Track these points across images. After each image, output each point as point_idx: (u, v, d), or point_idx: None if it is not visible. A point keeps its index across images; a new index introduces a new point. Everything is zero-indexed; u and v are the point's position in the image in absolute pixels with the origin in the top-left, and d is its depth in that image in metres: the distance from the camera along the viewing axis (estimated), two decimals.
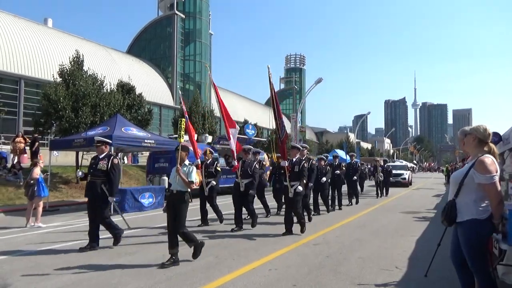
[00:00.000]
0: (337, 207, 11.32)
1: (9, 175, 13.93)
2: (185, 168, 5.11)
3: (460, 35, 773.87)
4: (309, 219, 8.50)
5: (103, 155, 6.14)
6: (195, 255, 5.11)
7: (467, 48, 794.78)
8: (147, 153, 16.87)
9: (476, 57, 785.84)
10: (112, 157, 6.13)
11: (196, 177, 5.19)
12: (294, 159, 7.22)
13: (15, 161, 14.76)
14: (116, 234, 6.04)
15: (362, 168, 18.21)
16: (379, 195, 15.59)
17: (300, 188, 6.91)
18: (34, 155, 14.28)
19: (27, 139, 15.81)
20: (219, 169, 8.47)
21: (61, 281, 4.27)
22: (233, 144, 8.10)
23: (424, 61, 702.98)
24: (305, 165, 7.18)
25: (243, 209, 7.75)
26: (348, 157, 14.49)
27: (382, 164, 17.02)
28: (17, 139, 15.18)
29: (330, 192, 10.87)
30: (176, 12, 48.55)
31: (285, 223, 7.12)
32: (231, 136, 8.12)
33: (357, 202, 12.95)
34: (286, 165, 7.02)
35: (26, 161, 15.37)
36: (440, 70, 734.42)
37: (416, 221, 9.12)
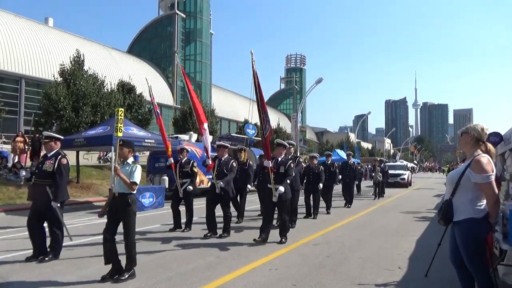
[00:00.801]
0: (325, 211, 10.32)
1: (9, 175, 13.95)
2: (127, 168, 4.46)
3: (460, 35, 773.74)
4: (292, 226, 7.69)
5: (51, 154, 5.40)
6: (119, 277, 4.19)
7: (468, 48, 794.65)
8: (147, 153, 16.90)
9: (476, 57, 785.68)
10: (60, 156, 5.37)
11: (139, 177, 4.46)
12: (279, 158, 6.40)
13: (16, 160, 14.77)
14: (55, 247, 5.22)
15: (358, 168, 17.73)
16: (377, 196, 14.88)
17: (282, 189, 6.06)
18: (36, 155, 14.29)
19: (27, 139, 15.82)
20: (195, 169, 7.70)
21: (61, 280, 4.26)
22: (207, 139, 7.19)
23: (425, 61, 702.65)
24: (292, 164, 6.40)
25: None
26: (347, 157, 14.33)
27: (379, 164, 16.44)
28: (18, 139, 15.20)
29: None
30: (177, 11, 48.60)
31: (261, 230, 6.27)
32: (203, 131, 7.18)
33: (349, 205, 11.98)
34: (270, 165, 6.15)
35: (26, 160, 15.39)
36: (440, 70, 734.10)
37: (416, 221, 9.11)
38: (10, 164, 14.86)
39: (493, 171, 2.97)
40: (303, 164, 10.36)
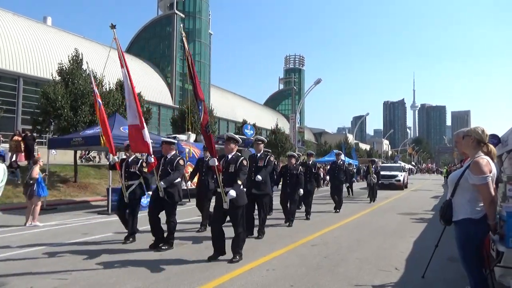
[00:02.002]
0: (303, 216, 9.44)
1: None
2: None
3: (459, 36, 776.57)
4: (260, 235, 6.78)
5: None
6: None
7: (466, 50, 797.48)
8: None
9: (474, 59, 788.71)
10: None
11: (4, 180, 4.01)
12: (229, 156, 5.28)
13: (13, 159, 14.73)
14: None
15: (350, 169, 17.08)
16: (372, 199, 13.99)
17: (232, 193, 4.90)
18: (28, 153, 14.23)
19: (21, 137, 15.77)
20: (145, 169, 6.57)
21: (59, 280, 4.25)
22: (146, 136, 6.03)
23: (423, 62, 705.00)
24: (244, 162, 5.24)
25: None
26: (346, 158, 14.17)
27: (372, 164, 15.29)
28: (15, 138, 15.15)
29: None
30: (176, 11, 48.52)
31: (214, 242, 5.14)
32: (145, 130, 6.05)
33: (337, 210, 10.90)
34: (216, 164, 5.00)
35: (23, 159, 15.34)
36: (438, 71, 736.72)
37: (414, 222, 9.13)
38: (7, 163, 14.81)
39: (490, 173, 3.01)
40: (276, 162, 9.65)
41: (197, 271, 4.63)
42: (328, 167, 13.81)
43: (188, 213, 9.68)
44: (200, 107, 5.26)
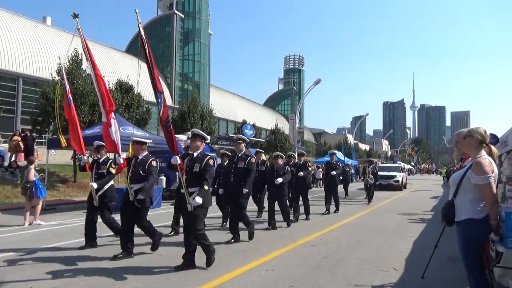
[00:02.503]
0: (302, 217, 9.18)
1: (6, 174, 13.90)
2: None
3: (459, 36, 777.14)
4: (235, 239, 6.39)
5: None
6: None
7: (466, 50, 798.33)
8: None
9: (474, 59, 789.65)
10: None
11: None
12: (195, 154, 4.83)
13: (12, 159, 14.72)
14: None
15: (347, 170, 16.97)
16: (368, 201, 13.63)
17: (199, 200, 4.48)
18: (28, 153, 14.22)
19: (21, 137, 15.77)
20: (113, 170, 6.21)
21: (58, 280, 4.26)
22: (113, 134, 5.72)
23: (423, 62, 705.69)
24: (210, 161, 4.76)
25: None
26: (346, 158, 14.12)
27: (369, 165, 14.86)
28: (15, 138, 15.14)
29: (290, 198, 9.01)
30: (176, 11, 48.51)
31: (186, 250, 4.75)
32: (112, 121, 5.74)
33: (331, 211, 10.57)
34: (178, 162, 4.66)
35: (23, 159, 15.34)
36: (438, 71, 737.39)
37: (413, 222, 9.14)
38: (6, 163, 14.81)
39: (492, 173, 3.02)
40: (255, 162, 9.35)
41: (197, 271, 4.63)
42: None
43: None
44: (159, 100, 4.90)
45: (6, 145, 16.41)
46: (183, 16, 49.30)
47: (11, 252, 5.54)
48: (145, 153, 5.66)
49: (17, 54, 29.69)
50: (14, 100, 28.98)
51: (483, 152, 3.15)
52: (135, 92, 21.10)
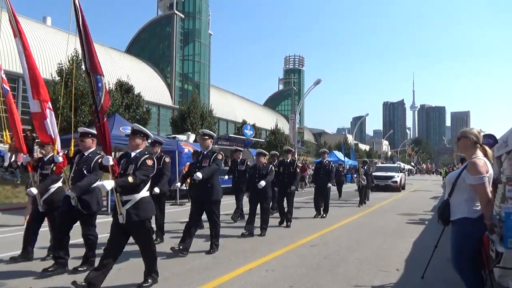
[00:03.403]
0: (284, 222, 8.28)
1: (6, 174, 13.90)
2: None
3: (459, 36, 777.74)
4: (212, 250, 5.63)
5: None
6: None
7: (466, 50, 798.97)
8: None
9: (474, 59, 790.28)
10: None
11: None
12: (133, 154, 4.02)
13: (12, 159, 14.71)
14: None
15: (340, 170, 16.67)
16: (359, 203, 12.82)
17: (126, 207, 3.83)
18: (28, 153, 14.21)
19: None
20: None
21: (58, 280, 4.26)
22: (50, 128, 4.95)
23: (423, 62, 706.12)
24: (148, 162, 3.92)
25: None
26: (346, 158, 14.04)
27: (362, 165, 14.34)
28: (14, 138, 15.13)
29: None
30: (176, 12, 48.53)
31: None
32: (48, 112, 4.88)
33: (323, 215, 9.74)
34: (111, 163, 3.86)
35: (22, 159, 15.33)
36: (438, 71, 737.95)
37: (413, 223, 9.14)
38: (6, 163, 14.81)
39: (487, 173, 3.06)
40: (249, 162, 9.06)
41: (196, 271, 4.63)
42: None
43: (187, 214, 9.65)
44: (100, 84, 3.82)
45: (6, 145, 16.40)
46: (183, 16, 49.32)
47: (11, 252, 5.54)
48: (92, 149, 4.74)
49: (17, 54, 29.70)
50: (14, 100, 29.04)
51: (479, 153, 3.20)
52: (135, 92, 21.10)
